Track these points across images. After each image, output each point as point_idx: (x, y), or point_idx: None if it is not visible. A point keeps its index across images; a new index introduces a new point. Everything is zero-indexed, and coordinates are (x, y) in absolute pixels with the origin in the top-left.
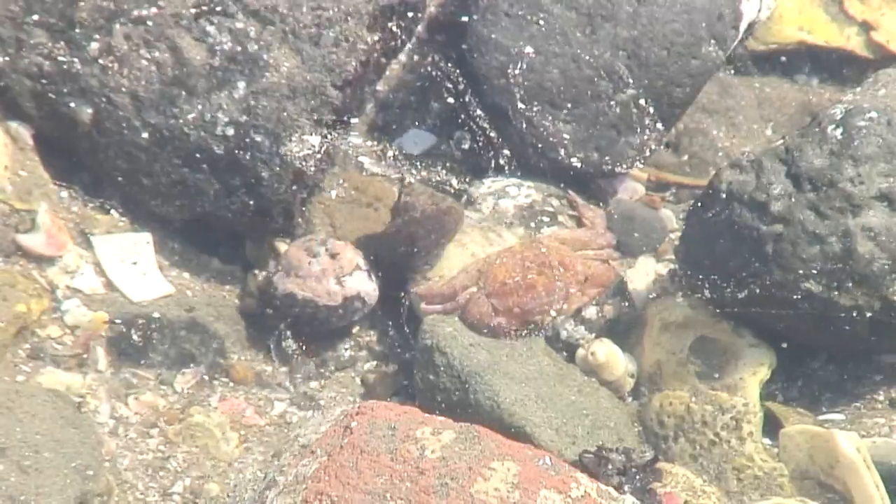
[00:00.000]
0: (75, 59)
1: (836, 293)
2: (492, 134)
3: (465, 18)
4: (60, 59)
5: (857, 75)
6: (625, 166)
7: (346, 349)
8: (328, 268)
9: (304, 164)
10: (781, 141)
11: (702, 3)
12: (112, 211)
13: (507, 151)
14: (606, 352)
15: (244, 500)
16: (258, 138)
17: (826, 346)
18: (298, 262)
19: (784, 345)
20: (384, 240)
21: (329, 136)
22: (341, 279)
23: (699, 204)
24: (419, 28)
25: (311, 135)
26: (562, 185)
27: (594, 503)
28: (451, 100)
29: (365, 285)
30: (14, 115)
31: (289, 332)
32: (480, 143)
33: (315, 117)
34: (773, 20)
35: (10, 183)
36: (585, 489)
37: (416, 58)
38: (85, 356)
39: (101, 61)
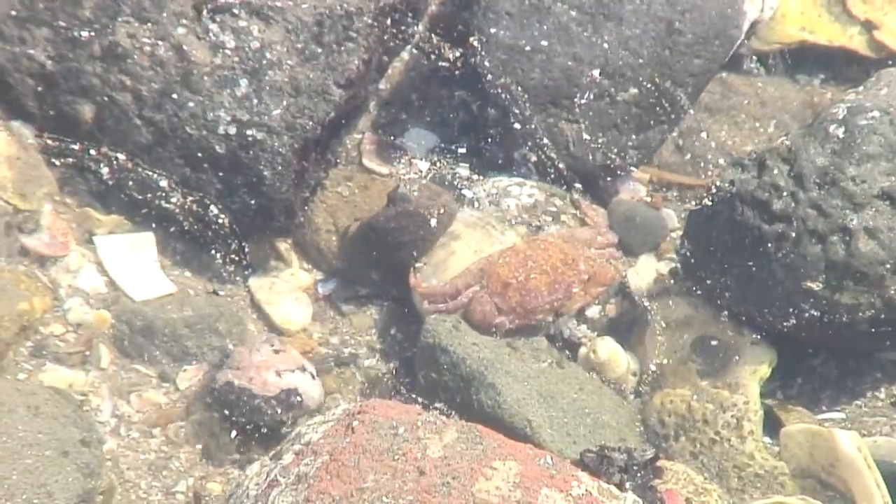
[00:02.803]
0: (78, 58)
1: (837, 292)
2: (494, 133)
3: (466, 17)
4: (63, 57)
5: (859, 75)
6: (627, 166)
7: (347, 348)
8: (269, 360)
9: (306, 163)
10: (784, 140)
11: (704, 2)
12: (114, 210)
13: (509, 150)
14: (608, 350)
15: (246, 499)
16: (260, 137)
17: (827, 344)
18: (241, 356)
19: (784, 343)
20: (375, 227)
21: None
22: (281, 372)
23: (701, 203)
24: (421, 27)
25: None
26: (564, 185)
27: (595, 501)
28: (452, 99)
29: (306, 384)
30: (17, 115)
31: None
32: (482, 142)
33: (317, 116)
34: (775, 20)
35: (12, 183)
36: (587, 488)
37: (418, 56)
38: (87, 354)
39: (103, 60)
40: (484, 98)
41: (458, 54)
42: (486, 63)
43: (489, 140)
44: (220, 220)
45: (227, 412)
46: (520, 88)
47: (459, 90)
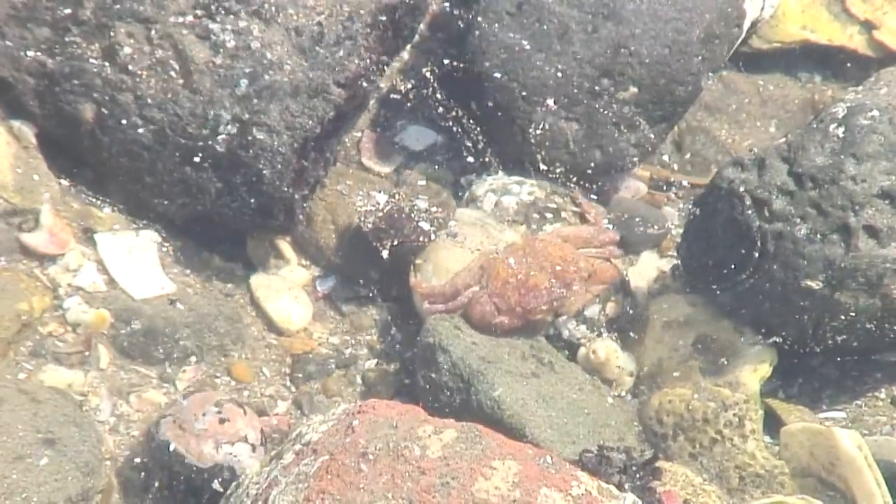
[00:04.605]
0: (78, 58)
1: (837, 291)
2: (494, 131)
3: (466, 16)
4: (64, 57)
5: (860, 74)
6: (627, 164)
7: (348, 348)
8: (211, 429)
9: (306, 161)
10: (784, 139)
11: (704, 1)
12: (114, 209)
13: (509, 149)
14: (608, 350)
15: (246, 498)
16: (260, 136)
17: (827, 343)
18: (187, 414)
19: (784, 342)
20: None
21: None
22: (220, 445)
23: (701, 202)
24: (421, 26)
25: (380, 192)
26: (564, 183)
27: (595, 501)
28: (452, 97)
29: (244, 458)
30: (17, 114)
31: (157, 483)
32: (482, 140)
33: (317, 115)
34: (776, 18)
35: (12, 181)
36: (586, 487)
37: (417, 55)
38: (87, 354)
39: (104, 60)
40: (483, 97)
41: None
42: (486, 62)
43: (489, 138)
44: None
45: (158, 469)
46: (519, 87)
47: (459, 89)
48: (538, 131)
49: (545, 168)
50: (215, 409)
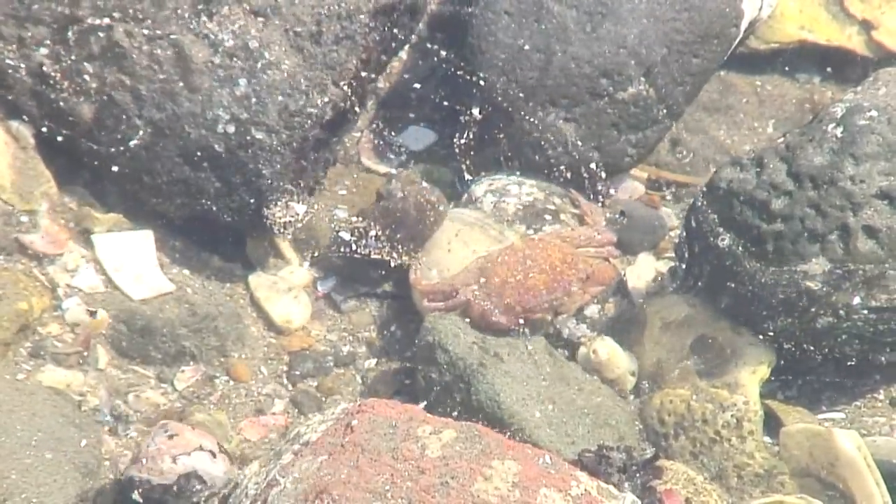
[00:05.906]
0: (76, 58)
1: (836, 291)
2: (492, 132)
3: (465, 16)
4: (61, 57)
5: (858, 74)
6: (625, 165)
7: (346, 346)
8: (164, 447)
9: (305, 161)
10: (782, 139)
11: (702, 1)
12: (113, 209)
13: (507, 149)
14: (608, 350)
15: (245, 499)
16: (259, 136)
17: (826, 344)
18: (140, 449)
19: (783, 343)
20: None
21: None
22: (177, 457)
23: (699, 202)
24: (420, 25)
25: (298, 202)
26: (563, 184)
27: (594, 501)
28: (451, 97)
29: (206, 465)
30: (15, 114)
31: None
32: (481, 141)
33: (316, 115)
34: (774, 19)
35: (10, 182)
36: (586, 487)
37: (416, 55)
38: (85, 354)
39: (102, 59)
40: (482, 97)
41: (457, 53)
42: (485, 62)
43: (487, 138)
44: None
45: None
46: (518, 87)
47: (458, 89)
48: (537, 132)
49: (544, 169)
50: (162, 430)
